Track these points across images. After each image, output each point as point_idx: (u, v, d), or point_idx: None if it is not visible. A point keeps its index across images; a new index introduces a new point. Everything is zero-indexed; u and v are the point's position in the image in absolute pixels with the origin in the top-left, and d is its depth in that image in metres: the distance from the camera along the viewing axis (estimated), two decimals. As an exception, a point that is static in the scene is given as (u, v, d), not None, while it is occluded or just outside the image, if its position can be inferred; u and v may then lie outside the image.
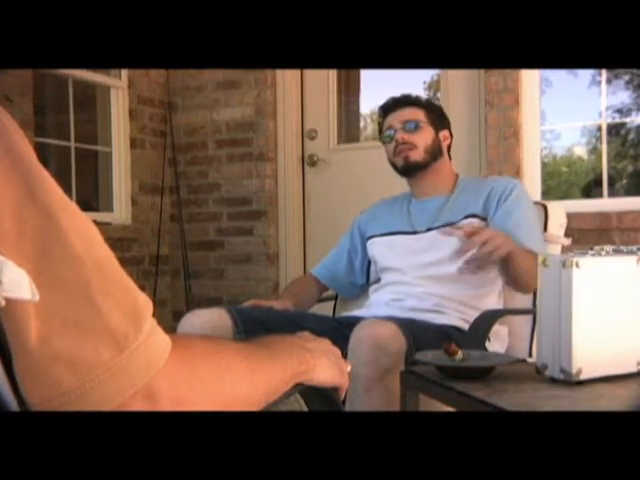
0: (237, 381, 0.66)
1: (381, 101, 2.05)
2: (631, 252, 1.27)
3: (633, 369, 1.25)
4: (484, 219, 1.86)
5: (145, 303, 0.55)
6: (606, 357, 1.22)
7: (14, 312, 0.49)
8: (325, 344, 0.87)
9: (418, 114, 1.95)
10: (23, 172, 0.50)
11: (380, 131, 2.03)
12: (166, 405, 0.55)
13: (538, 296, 1.26)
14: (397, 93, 2.03)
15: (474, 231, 1.58)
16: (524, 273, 1.69)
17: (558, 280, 1.20)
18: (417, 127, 1.93)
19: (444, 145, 1.99)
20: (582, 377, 1.19)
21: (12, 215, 0.49)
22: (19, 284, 0.48)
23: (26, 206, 0.49)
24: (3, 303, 0.48)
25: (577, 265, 1.18)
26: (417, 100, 2.01)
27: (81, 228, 0.52)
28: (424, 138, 1.93)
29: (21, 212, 0.49)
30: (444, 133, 1.99)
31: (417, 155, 1.92)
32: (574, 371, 1.19)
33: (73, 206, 0.53)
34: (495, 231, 1.65)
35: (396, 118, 1.95)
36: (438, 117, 2.00)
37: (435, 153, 1.94)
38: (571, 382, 1.19)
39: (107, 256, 0.54)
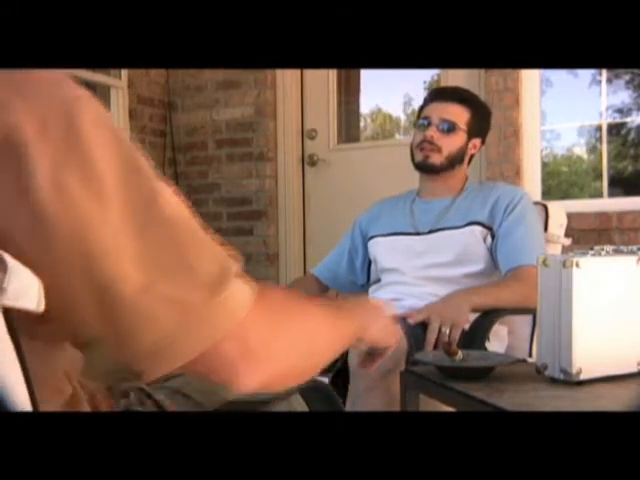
0: (317, 333, 0.75)
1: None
2: (631, 252, 1.27)
3: (633, 369, 1.25)
4: (488, 228, 1.85)
5: (231, 257, 0.65)
6: (606, 357, 1.22)
7: (111, 260, 0.53)
8: (379, 308, 0.99)
9: (460, 115, 1.90)
10: (126, 146, 0.58)
11: (419, 112, 1.97)
12: (254, 347, 0.62)
13: (538, 296, 1.26)
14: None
15: (417, 316, 1.64)
16: (514, 303, 1.72)
17: (558, 280, 1.20)
18: (451, 130, 1.89)
19: (469, 154, 1.95)
20: (582, 377, 1.19)
21: (117, 180, 0.55)
22: (25, 293, 0.49)
23: (130, 174, 0.56)
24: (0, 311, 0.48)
25: (577, 265, 1.18)
26: (468, 99, 1.95)
27: (170, 193, 0.59)
28: (452, 144, 1.89)
29: (126, 178, 0.55)
30: (475, 142, 1.95)
31: (437, 159, 1.89)
32: (574, 371, 1.19)
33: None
34: (436, 305, 1.68)
35: (436, 111, 1.90)
36: (479, 123, 1.94)
37: (455, 161, 1.91)
38: (571, 382, 1.19)
39: (193, 218, 0.62)
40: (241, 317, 0.60)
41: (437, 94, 1.96)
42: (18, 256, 0.49)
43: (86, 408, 0.70)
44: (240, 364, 0.60)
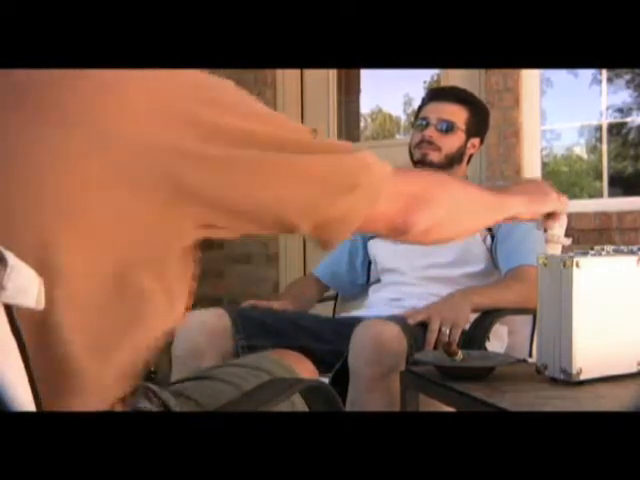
0: (474, 195, 0.93)
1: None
2: (631, 252, 1.27)
3: (633, 369, 1.25)
4: (488, 228, 1.85)
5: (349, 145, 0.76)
6: (606, 357, 1.22)
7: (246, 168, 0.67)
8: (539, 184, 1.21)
9: (459, 114, 1.90)
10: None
11: (417, 112, 1.97)
12: (418, 193, 0.79)
13: (538, 296, 1.25)
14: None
15: (416, 316, 1.62)
16: (513, 303, 1.72)
17: (559, 280, 1.20)
18: (449, 129, 1.88)
19: (468, 153, 1.95)
20: (582, 377, 1.19)
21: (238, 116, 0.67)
22: (25, 290, 0.49)
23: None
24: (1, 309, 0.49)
25: (577, 265, 1.18)
26: (466, 98, 1.95)
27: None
28: (451, 143, 1.89)
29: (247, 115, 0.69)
30: (474, 141, 1.94)
31: (436, 157, 1.89)
32: (574, 371, 1.18)
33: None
34: (436, 306, 1.67)
35: (435, 111, 1.90)
36: (478, 123, 1.94)
37: (454, 160, 1.91)
38: (571, 382, 1.19)
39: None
40: (388, 179, 0.74)
41: (435, 94, 1.96)
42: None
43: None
44: (411, 209, 0.73)
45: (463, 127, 1.90)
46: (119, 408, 0.73)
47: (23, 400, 0.51)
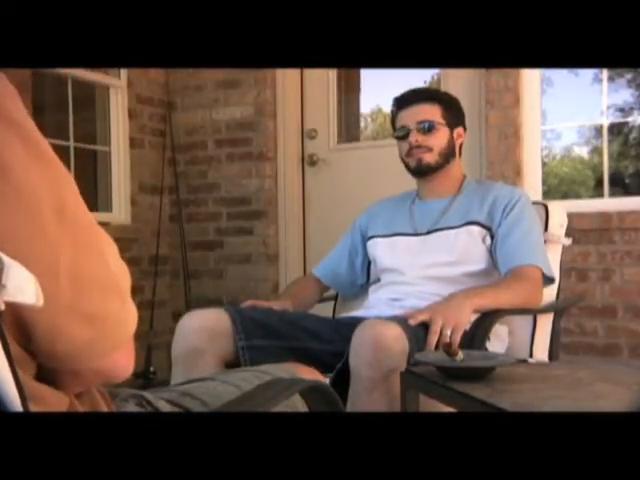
0: None
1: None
2: None
3: None
4: (487, 228, 1.85)
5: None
6: None
7: (45, 279, 0.55)
8: None
9: (434, 112, 1.91)
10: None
11: (393, 124, 1.98)
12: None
13: None
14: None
15: (418, 317, 1.62)
16: (514, 303, 1.72)
17: None
18: (432, 128, 1.89)
19: (457, 144, 1.96)
20: None
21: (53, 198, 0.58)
22: (23, 289, 0.50)
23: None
24: (3, 307, 0.49)
25: None
26: (433, 95, 1.97)
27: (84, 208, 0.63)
28: (439, 140, 1.90)
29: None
30: (458, 130, 1.96)
31: (431, 158, 1.90)
32: None
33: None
34: (438, 306, 1.66)
35: (411, 116, 1.91)
36: (454, 113, 1.95)
37: (448, 155, 1.92)
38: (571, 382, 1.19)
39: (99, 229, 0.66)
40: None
41: (402, 102, 1.96)
42: None
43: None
44: (129, 356, 0.67)
45: (443, 121, 1.91)
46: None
47: (13, 399, 0.51)
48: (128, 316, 0.64)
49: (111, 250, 0.66)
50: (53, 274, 0.57)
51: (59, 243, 0.58)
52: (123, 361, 0.66)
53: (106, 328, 0.62)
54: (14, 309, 0.54)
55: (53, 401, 0.63)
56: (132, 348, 0.67)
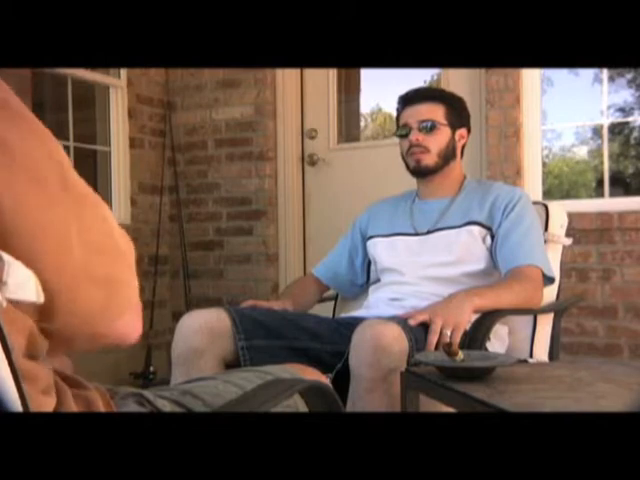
0: None
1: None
2: None
3: None
4: (487, 228, 1.85)
5: None
6: None
7: (60, 247, 0.58)
8: None
9: (437, 112, 1.90)
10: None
11: (397, 122, 1.98)
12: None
13: None
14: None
15: (418, 317, 1.62)
16: (514, 304, 1.72)
17: None
18: (433, 128, 1.89)
19: (459, 146, 1.95)
20: None
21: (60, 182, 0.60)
22: (24, 286, 0.50)
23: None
24: (4, 304, 0.49)
25: None
26: (438, 95, 1.96)
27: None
28: (439, 141, 1.89)
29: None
30: (461, 132, 1.95)
31: (429, 159, 1.90)
32: None
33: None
34: (438, 306, 1.66)
35: (413, 115, 1.91)
36: (458, 113, 1.95)
37: (448, 156, 1.92)
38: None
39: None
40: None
41: (408, 99, 1.96)
42: None
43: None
44: (138, 319, 0.70)
45: (445, 122, 1.91)
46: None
47: (13, 398, 0.51)
48: (134, 279, 0.67)
49: (111, 215, 0.68)
50: (67, 241, 0.59)
51: (68, 211, 0.60)
52: (135, 323, 0.69)
53: (117, 290, 0.65)
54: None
55: (42, 376, 0.64)
56: (140, 311, 0.70)
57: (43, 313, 0.59)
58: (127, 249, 0.68)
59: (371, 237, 2.03)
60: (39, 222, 0.56)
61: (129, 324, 0.68)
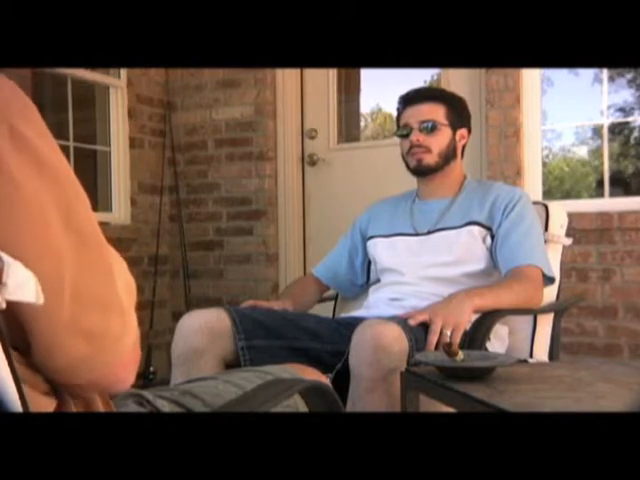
0: None
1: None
2: None
3: None
4: (488, 228, 1.85)
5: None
6: None
7: (48, 295, 0.54)
8: None
9: (437, 112, 1.90)
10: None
11: (398, 122, 1.98)
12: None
13: None
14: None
15: (418, 317, 1.62)
16: (514, 304, 1.72)
17: None
18: (434, 128, 1.89)
19: (459, 146, 1.95)
20: None
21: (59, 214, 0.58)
22: (24, 287, 0.50)
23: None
24: (4, 305, 0.49)
25: None
26: (438, 95, 1.97)
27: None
28: (440, 141, 1.90)
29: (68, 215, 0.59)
30: (462, 132, 1.95)
31: (430, 159, 1.90)
32: None
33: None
34: (438, 306, 1.66)
35: (414, 115, 1.91)
36: (458, 114, 1.95)
37: (449, 157, 1.92)
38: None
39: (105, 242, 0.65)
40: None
41: (408, 99, 1.96)
42: None
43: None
44: (129, 369, 0.67)
45: (445, 122, 1.91)
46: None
47: (13, 399, 0.51)
48: (128, 333, 0.64)
49: (120, 268, 0.65)
50: (57, 288, 0.56)
51: (64, 257, 0.57)
52: (122, 374, 0.65)
53: (103, 345, 0.61)
54: (14, 318, 0.54)
55: (42, 378, 0.63)
56: (133, 361, 0.66)
57: (20, 349, 0.57)
58: (128, 300, 0.65)
59: (371, 237, 2.03)
60: (30, 263, 0.53)
61: (116, 375, 0.64)
